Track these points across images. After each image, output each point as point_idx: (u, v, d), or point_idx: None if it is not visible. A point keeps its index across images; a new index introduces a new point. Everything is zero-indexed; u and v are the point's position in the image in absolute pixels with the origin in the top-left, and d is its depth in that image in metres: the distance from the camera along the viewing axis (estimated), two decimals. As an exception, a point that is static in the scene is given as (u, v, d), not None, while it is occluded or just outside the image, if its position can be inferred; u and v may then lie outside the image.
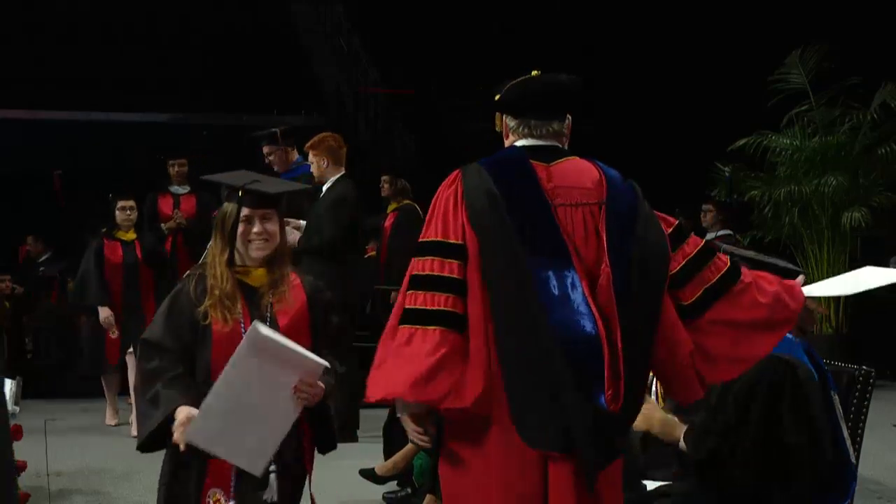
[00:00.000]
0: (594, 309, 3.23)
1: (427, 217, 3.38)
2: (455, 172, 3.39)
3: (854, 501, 3.92)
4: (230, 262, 3.62)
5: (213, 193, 9.20)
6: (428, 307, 3.27)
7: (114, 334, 8.15)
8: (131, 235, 8.20)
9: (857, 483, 3.92)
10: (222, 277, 3.59)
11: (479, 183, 3.31)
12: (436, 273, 3.28)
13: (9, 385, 5.46)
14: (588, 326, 3.20)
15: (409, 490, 5.94)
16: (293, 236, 7.74)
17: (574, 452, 3.20)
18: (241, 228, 3.59)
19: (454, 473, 3.38)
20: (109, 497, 6.32)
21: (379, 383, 3.28)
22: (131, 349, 7.81)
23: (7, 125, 13.35)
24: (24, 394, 5.84)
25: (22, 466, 5.68)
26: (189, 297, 3.59)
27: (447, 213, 3.32)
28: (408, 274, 3.36)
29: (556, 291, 3.22)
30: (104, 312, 8.11)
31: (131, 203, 8.17)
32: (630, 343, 3.25)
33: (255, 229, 3.60)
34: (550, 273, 3.23)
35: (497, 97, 3.50)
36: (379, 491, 6.02)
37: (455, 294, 3.26)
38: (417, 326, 3.27)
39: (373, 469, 5.99)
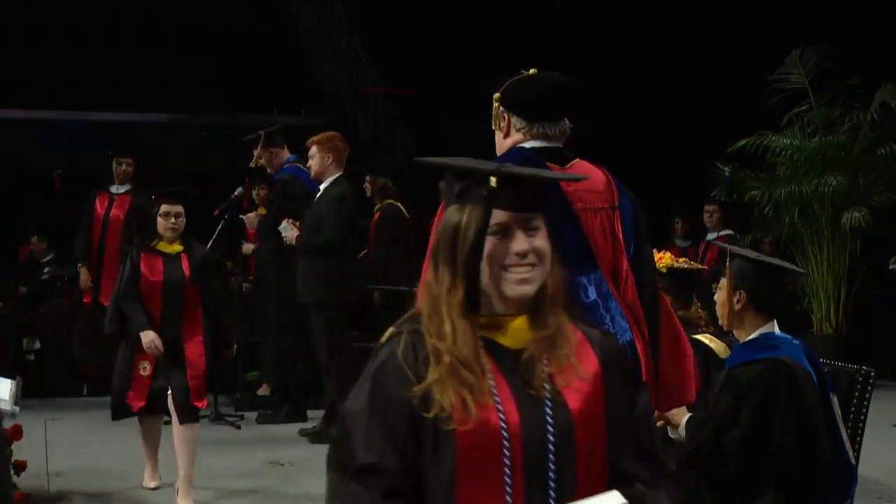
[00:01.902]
0: (628, 314, 3.23)
1: (438, 219, 3.31)
2: None
3: (854, 501, 3.92)
4: (470, 308, 2.14)
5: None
6: None
7: (144, 371, 6.31)
8: (176, 248, 6.37)
9: (857, 483, 3.92)
10: (456, 334, 2.11)
11: None
12: None
13: (9, 385, 5.46)
14: (626, 333, 3.21)
15: (409, 490, 5.92)
16: (291, 234, 7.76)
17: None
18: (488, 248, 2.14)
19: None
20: (109, 497, 6.32)
21: None
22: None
23: (7, 125, 13.34)
24: (24, 394, 5.83)
25: (22, 466, 5.67)
26: (400, 372, 2.10)
27: None
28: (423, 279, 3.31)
29: (588, 298, 3.21)
30: (147, 337, 6.17)
31: (178, 209, 6.37)
32: (650, 345, 3.28)
33: (515, 248, 2.14)
34: (582, 279, 3.22)
35: (497, 95, 3.46)
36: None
37: None
38: None
39: (373, 469, 5.97)
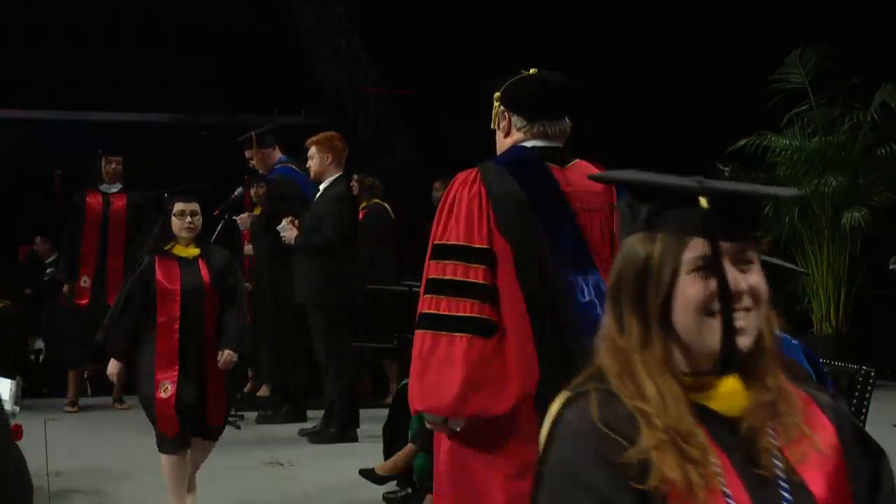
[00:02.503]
0: None
1: (441, 217, 3.28)
2: (472, 172, 3.31)
3: (854, 501, 3.92)
4: (673, 366, 1.70)
5: (147, 194, 9.19)
6: (453, 313, 3.19)
7: (165, 392, 5.52)
8: (193, 251, 5.69)
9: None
10: (664, 398, 1.66)
11: (504, 186, 3.26)
12: (459, 278, 3.20)
13: (9, 385, 5.46)
14: None
15: (409, 490, 5.94)
16: (290, 234, 7.76)
17: None
18: (692, 289, 1.67)
19: (461, 467, 3.30)
20: (109, 497, 6.32)
21: (417, 397, 3.23)
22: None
23: (7, 125, 13.34)
24: (24, 394, 5.82)
25: (22, 466, 5.67)
26: (602, 435, 1.64)
27: (471, 215, 3.22)
28: (424, 277, 3.29)
29: (584, 297, 3.22)
30: (112, 366, 5.70)
31: (194, 206, 5.72)
32: None
33: (739, 286, 1.69)
34: (579, 279, 3.23)
35: (497, 94, 3.47)
36: (379, 491, 6.01)
37: (481, 300, 3.18)
38: (443, 333, 3.19)
39: (373, 469, 5.99)
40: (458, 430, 3.20)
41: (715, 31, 13.99)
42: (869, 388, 4.23)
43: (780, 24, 13.09)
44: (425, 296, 3.26)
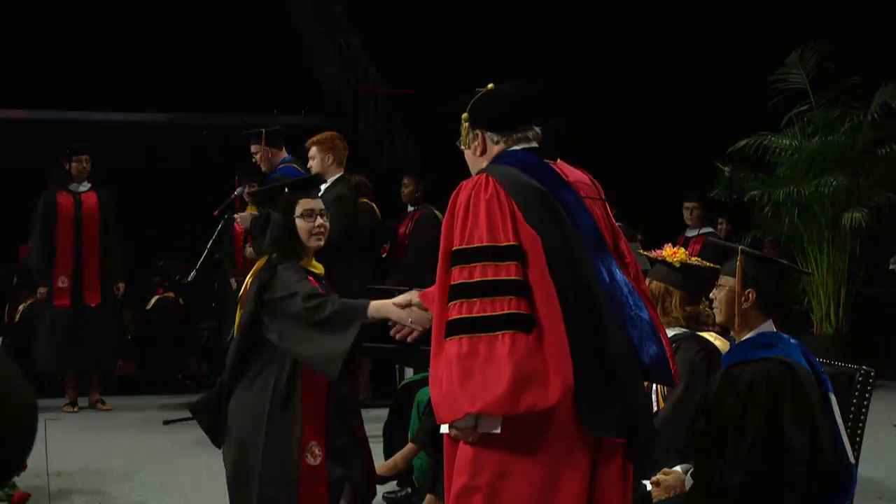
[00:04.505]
0: (642, 295, 3.32)
1: (455, 225, 3.22)
2: (480, 178, 3.25)
3: (854, 501, 3.92)
4: None
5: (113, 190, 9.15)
6: (489, 313, 3.11)
7: (315, 459, 4.15)
8: (320, 266, 4.49)
9: (856, 483, 3.92)
10: None
11: (520, 180, 3.25)
12: (490, 278, 3.14)
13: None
14: (644, 313, 3.29)
15: (409, 490, 5.94)
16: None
17: (630, 438, 3.23)
18: None
19: (495, 462, 3.21)
20: (109, 497, 6.31)
21: (466, 401, 3.07)
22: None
23: (7, 125, 13.34)
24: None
25: (22, 466, 5.66)
26: None
27: (492, 215, 3.18)
28: (442, 283, 3.22)
29: (607, 281, 3.26)
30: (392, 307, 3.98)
31: (321, 204, 4.45)
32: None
33: None
34: (599, 262, 3.27)
35: (465, 115, 3.43)
36: (379, 491, 6.01)
37: (517, 296, 3.12)
38: (481, 334, 3.09)
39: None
40: (499, 431, 3.13)
41: (715, 31, 13.99)
42: (869, 388, 4.23)
43: (780, 24, 13.09)
44: (452, 303, 3.16)
